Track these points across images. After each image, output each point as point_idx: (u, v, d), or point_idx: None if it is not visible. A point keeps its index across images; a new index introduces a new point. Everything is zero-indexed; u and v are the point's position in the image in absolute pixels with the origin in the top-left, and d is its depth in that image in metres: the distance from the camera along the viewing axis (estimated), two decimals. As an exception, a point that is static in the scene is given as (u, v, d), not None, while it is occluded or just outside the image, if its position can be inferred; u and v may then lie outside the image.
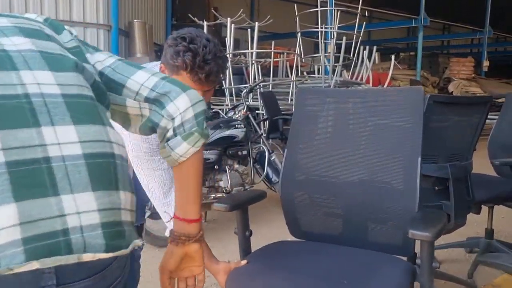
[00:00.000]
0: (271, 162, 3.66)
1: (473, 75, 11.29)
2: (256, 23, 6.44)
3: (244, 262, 1.42)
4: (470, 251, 2.99)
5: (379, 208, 1.54)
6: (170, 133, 0.93)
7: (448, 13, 13.93)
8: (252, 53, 6.13)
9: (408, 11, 11.20)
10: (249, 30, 6.53)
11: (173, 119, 0.92)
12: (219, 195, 3.37)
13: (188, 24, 9.48)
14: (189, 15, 7.10)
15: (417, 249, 1.35)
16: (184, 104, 0.92)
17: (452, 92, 10.47)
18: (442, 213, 1.31)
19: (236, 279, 1.34)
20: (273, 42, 6.59)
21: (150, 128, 0.97)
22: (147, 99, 0.94)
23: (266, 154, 3.61)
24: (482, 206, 2.62)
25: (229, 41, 6.46)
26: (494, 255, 1.39)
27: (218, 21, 6.84)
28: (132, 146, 1.43)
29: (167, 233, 1.56)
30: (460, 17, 14.81)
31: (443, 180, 2.18)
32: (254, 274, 1.34)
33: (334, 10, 6.52)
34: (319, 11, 6.46)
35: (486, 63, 11.98)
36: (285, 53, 7.51)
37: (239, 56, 6.49)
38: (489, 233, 2.79)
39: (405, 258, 1.50)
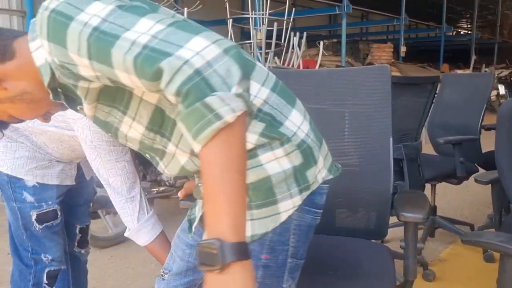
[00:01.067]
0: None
1: (392, 60, 11.86)
2: (185, 8, 6.21)
3: None
4: (415, 228, 3.10)
5: (350, 193, 1.49)
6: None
7: (366, 1, 14.45)
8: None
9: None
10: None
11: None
12: (162, 188, 3.20)
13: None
14: None
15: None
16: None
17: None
18: (422, 194, 1.28)
19: None
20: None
21: None
22: None
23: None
24: (426, 184, 2.71)
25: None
26: (476, 233, 1.41)
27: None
28: (92, 135, 1.28)
29: (127, 234, 1.41)
30: (377, 5, 15.47)
31: (396, 160, 2.20)
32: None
33: (264, -4, 6.45)
34: (249, -3, 6.36)
35: (403, 49, 12.61)
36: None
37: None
38: (433, 209, 2.90)
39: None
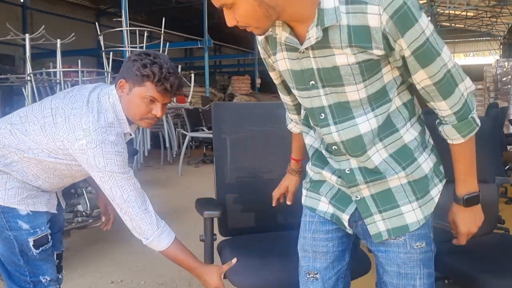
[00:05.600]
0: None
1: (250, 91, 12.88)
2: (58, 40, 6.11)
3: (234, 260, 1.57)
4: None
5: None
6: None
7: (219, 36, 15.47)
8: (60, 72, 5.82)
9: (189, 34, 12.11)
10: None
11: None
12: (79, 219, 3.22)
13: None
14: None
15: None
16: None
17: (236, 106, 11.72)
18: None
19: (243, 273, 1.52)
20: (79, 60, 6.34)
21: None
22: None
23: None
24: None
25: (29, 59, 5.96)
26: None
27: (11, 37, 6.19)
28: (105, 161, 1.42)
29: (147, 242, 1.52)
30: (229, 39, 16.60)
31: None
32: (255, 268, 1.53)
33: (139, 30, 6.68)
34: (125, 31, 6.52)
35: (258, 80, 13.81)
36: (93, 72, 7.26)
37: (44, 75, 6.04)
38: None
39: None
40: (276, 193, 1.63)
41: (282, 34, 1.06)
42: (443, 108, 1.05)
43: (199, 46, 11.44)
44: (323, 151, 1.19)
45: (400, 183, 1.11)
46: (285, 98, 1.35)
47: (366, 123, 1.07)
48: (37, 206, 1.56)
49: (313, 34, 0.99)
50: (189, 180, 6.15)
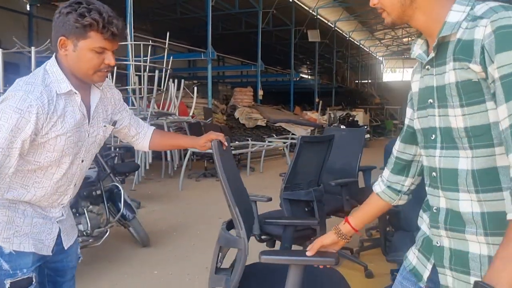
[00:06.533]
0: (125, 200, 3.68)
1: (252, 103, 12.93)
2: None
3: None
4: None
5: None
6: None
7: (222, 47, 15.60)
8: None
9: (193, 42, 12.19)
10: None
11: None
12: (80, 239, 3.25)
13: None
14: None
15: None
16: None
17: (238, 118, 11.80)
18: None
19: None
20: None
21: None
22: None
23: (122, 192, 3.63)
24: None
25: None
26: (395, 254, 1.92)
27: (17, 49, 6.26)
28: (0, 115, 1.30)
29: None
30: (232, 50, 16.71)
31: (308, 202, 2.75)
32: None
33: (144, 44, 6.75)
34: (131, 45, 6.59)
35: (261, 92, 13.88)
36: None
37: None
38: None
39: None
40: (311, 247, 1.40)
41: (417, 51, 1.12)
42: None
43: (203, 58, 11.51)
44: (426, 187, 1.16)
45: (480, 252, 0.99)
46: (404, 149, 1.28)
47: (465, 159, 1.00)
48: (23, 245, 1.44)
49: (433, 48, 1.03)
50: (189, 195, 6.17)
